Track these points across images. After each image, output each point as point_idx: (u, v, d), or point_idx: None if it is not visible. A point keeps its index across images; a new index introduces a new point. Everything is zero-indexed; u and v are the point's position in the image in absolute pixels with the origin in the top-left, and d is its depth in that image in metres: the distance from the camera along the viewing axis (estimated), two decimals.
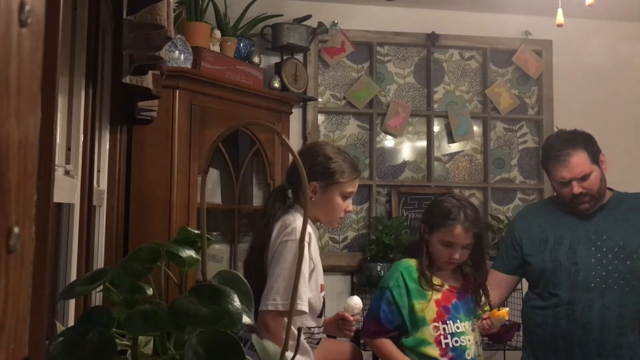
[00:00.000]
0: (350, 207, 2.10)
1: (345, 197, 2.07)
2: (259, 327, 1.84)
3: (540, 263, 2.41)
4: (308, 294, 1.93)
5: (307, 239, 1.95)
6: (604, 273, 2.31)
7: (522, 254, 2.47)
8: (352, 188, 2.08)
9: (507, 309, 2.26)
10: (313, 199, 2.03)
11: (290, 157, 2.50)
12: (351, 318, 2.14)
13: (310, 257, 1.97)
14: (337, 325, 2.18)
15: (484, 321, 2.24)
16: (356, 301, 2.16)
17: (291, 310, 0.86)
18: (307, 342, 2.03)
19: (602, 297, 2.29)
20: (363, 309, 2.32)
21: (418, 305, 2.21)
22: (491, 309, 2.37)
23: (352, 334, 2.21)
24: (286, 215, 2.01)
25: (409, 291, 2.23)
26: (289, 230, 1.94)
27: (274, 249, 1.95)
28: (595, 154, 2.36)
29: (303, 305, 1.88)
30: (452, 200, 2.28)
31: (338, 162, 2.05)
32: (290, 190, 2.08)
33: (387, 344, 2.24)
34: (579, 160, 2.32)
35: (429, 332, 2.20)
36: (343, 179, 2.04)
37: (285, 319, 1.88)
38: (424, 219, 2.35)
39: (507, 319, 2.23)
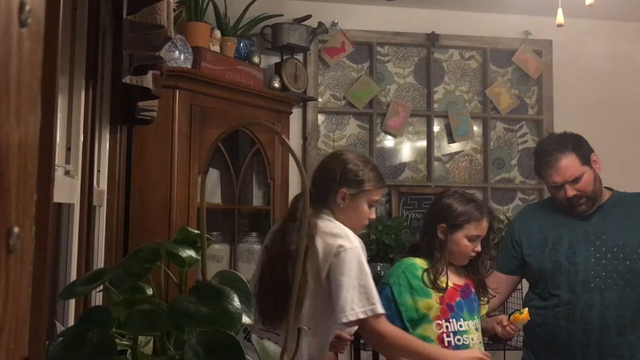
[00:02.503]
0: (374, 215, 2.14)
1: (370, 205, 2.10)
2: (370, 338, 1.97)
3: (539, 263, 2.41)
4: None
5: (360, 245, 1.99)
6: (603, 273, 2.31)
7: (522, 255, 2.47)
8: (378, 197, 2.13)
9: (527, 309, 2.24)
10: (341, 206, 2.05)
11: (291, 157, 2.49)
12: (348, 337, 2.16)
13: None
14: (330, 343, 2.19)
15: (507, 327, 2.23)
16: None
17: (291, 309, 0.86)
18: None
19: (601, 297, 2.29)
20: None
21: (421, 302, 2.21)
22: (490, 308, 2.37)
23: (344, 352, 2.23)
24: (323, 222, 2.01)
25: (412, 289, 2.23)
26: (341, 241, 1.95)
27: (327, 261, 1.93)
28: (585, 155, 2.36)
29: (380, 308, 1.93)
30: (464, 196, 2.31)
31: (366, 171, 2.08)
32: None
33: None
34: (568, 164, 2.33)
35: (431, 329, 2.20)
36: (371, 187, 2.07)
37: (381, 319, 1.94)
38: (439, 221, 2.28)
39: (529, 319, 2.22)
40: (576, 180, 2.33)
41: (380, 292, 2.28)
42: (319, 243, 1.95)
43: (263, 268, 2.06)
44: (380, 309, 1.93)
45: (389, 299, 2.24)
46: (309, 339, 1.98)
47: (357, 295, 1.89)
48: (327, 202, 2.06)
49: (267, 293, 1.95)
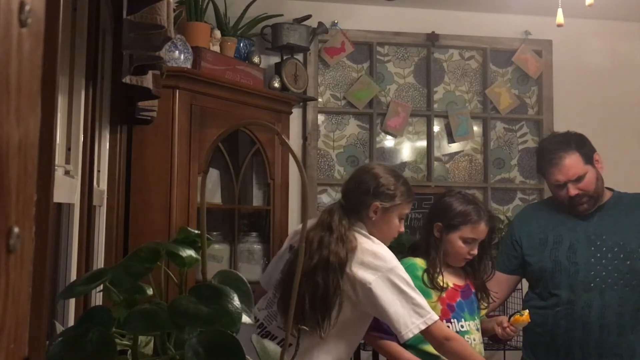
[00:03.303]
0: (403, 228, 2.17)
1: (400, 218, 2.14)
2: (436, 342, 2.01)
3: (540, 263, 2.41)
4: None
5: (395, 260, 2.04)
6: (603, 273, 2.31)
7: (522, 254, 2.47)
8: (408, 210, 2.17)
9: (527, 311, 2.24)
10: (373, 219, 2.09)
11: (291, 157, 2.49)
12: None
13: None
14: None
15: (507, 329, 2.23)
16: None
17: (291, 310, 0.86)
18: None
19: (601, 297, 2.29)
20: None
21: None
22: (490, 309, 2.36)
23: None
24: (361, 237, 2.04)
25: None
26: (381, 262, 1.98)
27: (367, 294, 1.96)
28: (588, 155, 2.36)
29: (434, 314, 1.99)
30: (465, 197, 2.29)
31: (398, 185, 2.11)
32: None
33: (393, 345, 2.23)
34: (571, 162, 2.32)
35: None
36: (403, 201, 2.11)
37: (440, 323, 2.00)
38: (436, 219, 2.29)
39: (529, 321, 2.22)
40: (579, 179, 2.32)
41: None
42: (358, 266, 1.98)
43: (290, 268, 2.07)
44: (435, 315, 1.99)
45: None
46: (338, 342, 2.03)
47: (411, 313, 1.95)
48: (360, 215, 2.09)
49: (298, 295, 1.96)
